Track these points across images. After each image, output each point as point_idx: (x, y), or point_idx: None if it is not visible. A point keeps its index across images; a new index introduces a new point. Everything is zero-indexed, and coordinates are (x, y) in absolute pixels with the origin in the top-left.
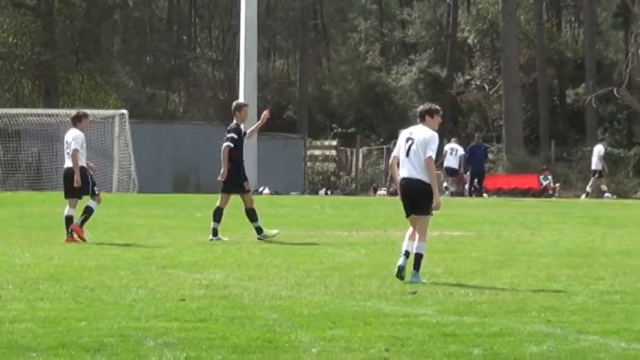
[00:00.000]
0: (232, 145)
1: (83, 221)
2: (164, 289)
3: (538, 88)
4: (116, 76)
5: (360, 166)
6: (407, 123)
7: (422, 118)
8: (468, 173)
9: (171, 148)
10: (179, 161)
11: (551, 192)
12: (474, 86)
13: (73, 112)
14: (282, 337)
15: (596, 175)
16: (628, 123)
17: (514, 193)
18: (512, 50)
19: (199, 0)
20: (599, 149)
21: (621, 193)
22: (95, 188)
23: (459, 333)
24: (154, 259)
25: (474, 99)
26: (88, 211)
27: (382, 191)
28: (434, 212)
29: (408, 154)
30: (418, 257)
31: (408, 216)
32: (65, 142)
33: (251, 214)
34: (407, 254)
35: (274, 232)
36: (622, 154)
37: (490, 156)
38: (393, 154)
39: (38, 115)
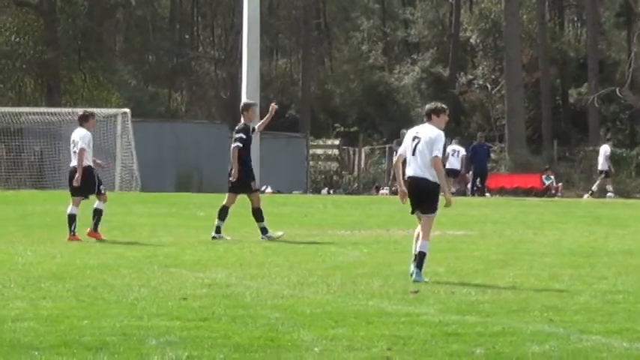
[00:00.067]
0: (241, 145)
1: (96, 224)
2: (166, 288)
3: (540, 87)
4: (118, 75)
5: (362, 166)
6: (409, 122)
7: (428, 117)
8: (471, 173)
9: (173, 146)
10: (181, 160)
11: (553, 191)
12: (476, 86)
13: (77, 110)
14: (285, 336)
15: (603, 175)
16: (631, 123)
17: (516, 192)
18: (515, 50)
19: None
20: (605, 149)
21: (624, 193)
22: (101, 187)
23: (461, 332)
24: (157, 258)
25: (477, 98)
26: (97, 214)
27: (384, 190)
28: (437, 212)
29: (414, 153)
30: (421, 256)
31: (412, 212)
32: (72, 142)
33: (257, 214)
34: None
35: (279, 233)
36: (624, 154)
37: (493, 155)
38: (399, 152)
39: (41, 113)
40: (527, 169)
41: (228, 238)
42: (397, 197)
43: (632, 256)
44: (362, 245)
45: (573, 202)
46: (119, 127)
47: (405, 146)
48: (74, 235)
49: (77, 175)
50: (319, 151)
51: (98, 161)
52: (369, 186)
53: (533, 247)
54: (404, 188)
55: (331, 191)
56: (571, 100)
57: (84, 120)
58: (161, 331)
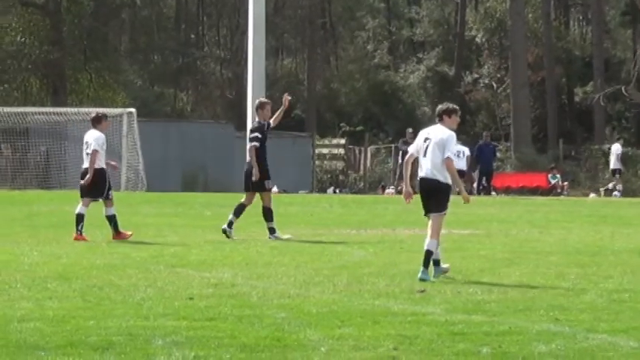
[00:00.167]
0: (258, 144)
1: (115, 227)
2: (173, 288)
3: (546, 86)
4: (124, 75)
5: (368, 165)
6: (415, 121)
7: (440, 117)
8: (477, 172)
9: (179, 146)
10: (187, 160)
11: (559, 190)
12: (482, 85)
13: (83, 110)
14: (291, 336)
15: (618, 175)
16: (636, 121)
17: (522, 191)
18: (520, 48)
19: None
20: (616, 148)
21: (630, 192)
22: (110, 192)
23: (467, 332)
24: (163, 258)
25: (482, 97)
26: (112, 219)
27: (390, 189)
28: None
29: (425, 155)
30: (428, 254)
31: (426, 214)
32: (85, 143)
33: (267, 214)
34: (436, 262)
35: (287, 236)
36: (630, 153)
37: (498, 154)
38: (410, 151)
39: (46, 113)
40: (532, 168)
41: (235, 237)
42: (402, 197)
43: (638, 255)
44: (368, 245)
45: (579, 201)
46: (125, 127)
47: (417, 146)
48: (80, 234)
49: (88, 176)
50: (325, 151)
51: (112, 162)
52: (375, 185)
53: (539, 246)
54: (409, 188)
55: (337, 191)
56: (577, 98)
57: (97, 122)
58: (167, 331)
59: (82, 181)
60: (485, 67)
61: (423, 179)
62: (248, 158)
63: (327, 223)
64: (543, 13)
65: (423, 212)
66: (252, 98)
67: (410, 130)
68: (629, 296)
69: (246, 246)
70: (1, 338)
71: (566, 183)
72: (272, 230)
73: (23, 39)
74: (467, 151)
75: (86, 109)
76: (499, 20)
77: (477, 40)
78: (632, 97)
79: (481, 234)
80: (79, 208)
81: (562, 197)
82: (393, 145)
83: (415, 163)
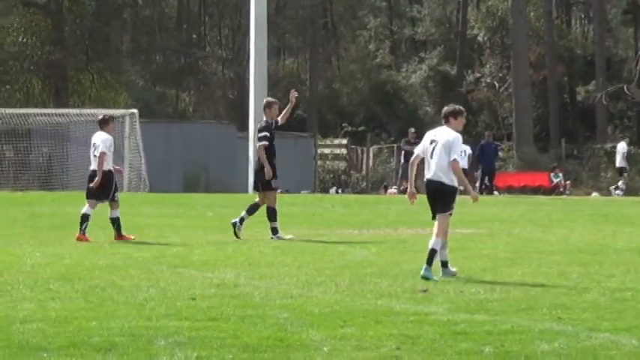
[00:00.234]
0: (267, 143)
1: (118, 230)
2: (175, 289)
3: (548, 85)
4: (126, 75)
5: (370, 165)
6: (417, 121)
7: (446, 119)
8: (479, 171)
9: (181, 147)
10: (189, 160)
11: (561, 189)
12: (484, 84)
13: (85, 111)
14: (293, 336)
15: (626, 173)
16: (638, 120)
17: (524, 190)
18: (522, 47)
19: None
20: (622, 146)
21: (631, 191)
22: (116, 194)
23: (469, 331)
24: (165, 259)
25: (484, 97)
26: (116, 222)
27: (393, 189)
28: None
29: (431, 157)
30: (431, 252)
31: (433, 218)
32: (92, 145)
33: (271, 214)
34: (444, 264)
35: (289, 236)
36: (632, 151)
37: (500, 154)
38: (416, 152)
39: (48, 114)
40: (535, 167)
41: (243, 236)
42: (406, 196)
43: None
44: (370, 244)
45: (581, 200)
46: (127, 128)
47: (423, 148)
48: (84, 234)
49: (97, 179)
50: (327, 151)
51: (117, 167)
52: (377, 185)
53: (542, 245)
54: (413, 189)
55: (339, 191)
56: (578, 97)
57: (104, 124)
58: (170, 332)
59: (91, 184)
60: (487, 66)
61: (429, 181)
62: (254, 158)
63: (329, 223)
64: (545, 12)
65: (430, 215)
66: (254, 98)
67: (412, 129)
68: (631, 295)
69: (248, 246)
70: (3, 339)
71: (568, 182)
72: (275, 230)
73: (25, 39)
74: (468, 149)
75: (88, 110)
76: (501, 19)
77: (479, 39)
78: (634, 95)
79: (483, 233)
80: (85, 208)
81: (564, 196)
82: (395, 145)
83: (421, 163)
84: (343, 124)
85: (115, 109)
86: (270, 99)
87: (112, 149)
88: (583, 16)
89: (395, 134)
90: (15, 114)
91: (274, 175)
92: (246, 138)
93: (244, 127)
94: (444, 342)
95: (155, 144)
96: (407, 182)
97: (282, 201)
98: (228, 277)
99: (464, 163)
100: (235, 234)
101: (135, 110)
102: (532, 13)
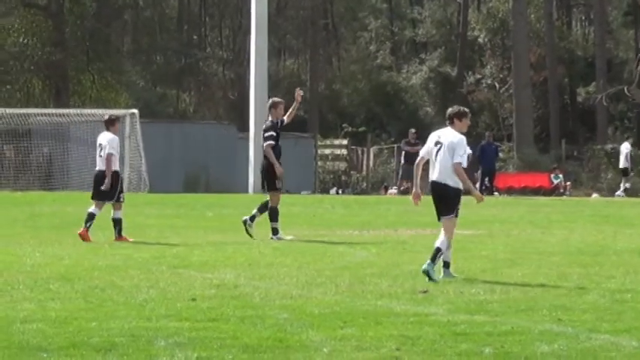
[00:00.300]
0: (274, 142)
1: (119, 231)
2: (175, 289)
3: (548, 86)
4: (127, 76)
5: (370, 165)
6: (417, 122)
7: (450, 120)
8: (479, 172)
9: (181, 147)
10: (189, 160)
11: (561, 190)
12: (484, 85)
13: (85, 111)
14: (293, 337)
15: (632, 174)
16: (638, 121)
17: (525, 191)
18: (523, 49)
19: None
20: (625, 147)
21: (633, 192)
22: (121, 195)
23: (469, 332)
24: (165, 259)
25: (485, 98)
26: (118, 223)
27: (393, 190)
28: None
29: (436, 158)
30: (436, 250)
31: (439, 220)
32: (98, 145)
33: (273, 214)
34: (446, 265)
35: (289, 237)
36: (632, 153)
37: (501, 155)
38: (421, 154)
39: (49, 114)
40: (535, 168)
41: (253, 235)
42: (405, 197)
43: None
44: (370, 245)
45: (581, 201)
46: (127, 129)
47: (428, 149)
48: (87, 231)
49: (107, 180)
50: (327, 151)
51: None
52: (377, 186)
53: (542, 247)
54: (418, 190)
55: (340, 191)
56: (579, 99)
57: (110, 124)
58: (170, 332)
59: (102, 187)
60: (488, 67)
61: (433, 183)
62: (255, 158)
63: (329, 223)
64: (546, 14)
65: (436, 217)
66: (254, 99)
67: (412, 130)
68: (631, 296)
69: (248, 247)
70: (3, 339)
71: (568, 183)
72: (275, 231)
73: (26, 40)
74: (468, 149)
75: (88, 111)
76: (501, 20)
77: (480, 40)
78: (634, 97)
79: (483, 234)
80: (92, 208)
81: (564, 197)
82: (395, 146)
83: (426, 164)
84: (344, 125)
85: (116, 109)
86: (275, 99)
87: (119, 149)
88: (584, 17)
89: (395, 135)
90: (15, 114)
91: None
92: (247, 138)
93: (245, 127)
94: (444, 343)
95: (155, 144)
96: (407, 183)
97: (283, 201)
98: (228, 277)
99: (465, 164)
100: (247, 231)
101: (135, 110)
102: (533, 15)
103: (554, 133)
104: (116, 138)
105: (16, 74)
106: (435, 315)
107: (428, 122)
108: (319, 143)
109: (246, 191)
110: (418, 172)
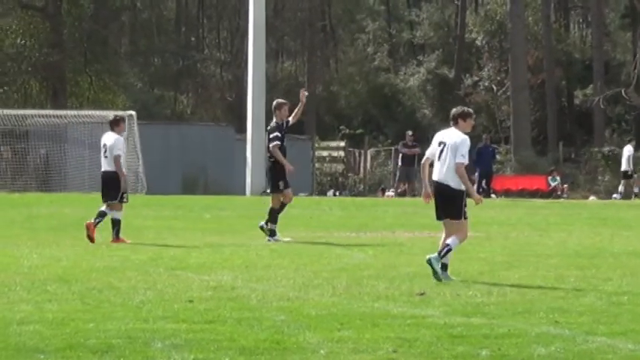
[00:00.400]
0: (279, 143)
1: (117, 233)
2: (172, 291)
3: (546, 89)
4: (124, 78)
5: (368, 167)
6: (415, 124)
7: (455, 121)
8: (476, 174)
9: (179, 149)
10: (187, 162)
11: (559, 193)
12: (482, 87)
13: (83, 112)
14: (290, 339)
15: (636, 177)
16: (636, 124)
17: (522, 194)
18: (520, 51)
19: (207, 1)
20: (628, 149)
21: (630, 195)
22: (125, 195)
23: (466, 334)
24: (162, 261)
25: (482, 100)
26: (116, 224)
27: (390, 192)
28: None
29: (440, 158)
30: (445, 246)
31: (438, 219)
32: (103, 146)
33: (272, 215)
34: (444, 267)
35: (286, 239)
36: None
37: (498, 157)
38: (426, 154)
39: (46, 116)
40: (532, 170)
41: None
42: (403, 199)
43: (637, 258)
44: (367, 247)
45: (579, 204)
46: (125, 130)
47: (432, 150)
48: (94, 224)
49: (122, 181)
50: (325, 153)
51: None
52: (374, 188)
53: (539, 249)
54: (428, 190)
55: (337, 193)
56: (576, 101)
57: (115, 124)
58: (167, 334)
59: (121, 188)
60: (485, 69)
61: (437, 183)
62: (255, 160)
63: (326, 225)
64: (543, 16)
65: (435, 217)
66: (252, 101)
67: (410, 132)
68: (627, 299)
69: (245, 249)
70: (0, 341)
71: (565, 185)
72: (272, 232)
73: (23, 41)
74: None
75: (86, 112)
76: (499, 23)
77: (477, 42)
78: (631, 99)
79: (481, 236)
80: (113, 213)
81: (562, 200)
82: (392, 148)
83: (431, 166)
84: (341, 127)
85: (113, 111)
86: (280, 100)
87: (125, 150)
88: (581, 20)
89: (393, 137)
90: (13, 115)
91: (283, 177)
92: (244, 140)
93: (242, 129)
94: (440, 345)
95: (153, 146)
96: (404, 185)
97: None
98: (225, 279)
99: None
100: (266, 234)
101: (133, 112)
102: (530, 17)
103: (551, 136)
104: (121, 138)
105: (13, 75)
106: (431, 317)
107: (425, 124)
108: (316, 145)
109: (244, 193)
110: (425, 173)
